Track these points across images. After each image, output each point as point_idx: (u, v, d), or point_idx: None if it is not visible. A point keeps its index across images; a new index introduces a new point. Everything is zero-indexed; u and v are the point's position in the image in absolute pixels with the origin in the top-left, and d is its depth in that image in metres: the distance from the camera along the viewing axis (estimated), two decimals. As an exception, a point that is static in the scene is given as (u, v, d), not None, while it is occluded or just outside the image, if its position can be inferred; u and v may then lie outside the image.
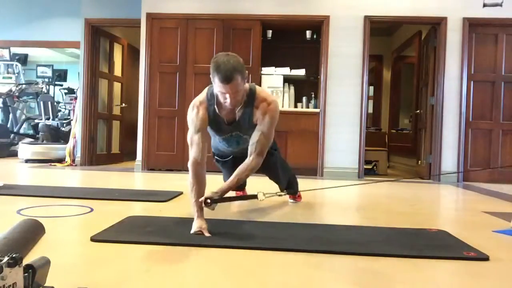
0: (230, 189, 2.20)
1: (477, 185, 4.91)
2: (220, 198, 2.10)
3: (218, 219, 2.35)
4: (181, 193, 3.40)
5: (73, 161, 5.93)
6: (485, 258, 1.74)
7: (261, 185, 3.15)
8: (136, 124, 5.64)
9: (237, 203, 3.04)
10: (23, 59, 8.50)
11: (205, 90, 2.24)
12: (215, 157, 2.81)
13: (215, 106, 2.18)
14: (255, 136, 2.23)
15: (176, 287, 1.41)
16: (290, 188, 3.05)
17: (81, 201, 2.88)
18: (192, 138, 2.16)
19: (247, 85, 2.16)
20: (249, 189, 3.11)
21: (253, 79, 5.42)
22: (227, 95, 2.00)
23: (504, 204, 3.47)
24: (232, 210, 2.87)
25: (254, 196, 2.09)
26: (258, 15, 5.39)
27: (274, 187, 2.90)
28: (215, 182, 2.82)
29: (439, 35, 5.25)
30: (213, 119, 2.22)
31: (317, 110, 5.36)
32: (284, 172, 2.88)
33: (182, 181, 4.42)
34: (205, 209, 2.09)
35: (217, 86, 2.00)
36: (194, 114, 2.17)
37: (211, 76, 2.02)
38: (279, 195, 2.14)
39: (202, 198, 2.03)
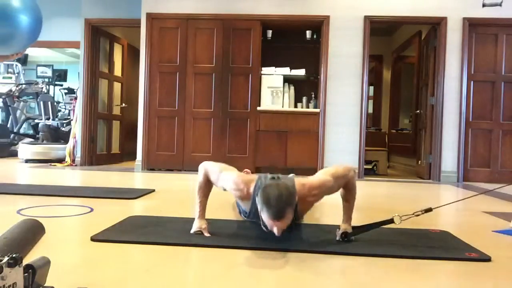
0: (351, 214, 2.06)
1: (477, 185, 4.90)
2: (357, 229, 2.00)
3: (218, 219, 2.35)
4: (152, 190, 3.45)
5: (73, 161, 5.93)
6: (487, 259, 1.74)
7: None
8: (136, 124, 5.64)
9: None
10: (23, 59, 8.49)
11: (253, 185, 1.97)
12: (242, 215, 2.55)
13: (257, 210, 1.91)
14: (337, 191, 2.06)
15: (176, 287, 1.41)
16: None
17: (81, 201, 2.88)
18: (220, 176, 2.01)
19: None
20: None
21: (253, 79, 5.43)
22: (275, 228, 1.78)
23: (504, 204, 3.47)
24: (232, 211, 2.87)
25: (391, 221, 1.97)
26: (258, 15, 5.39)
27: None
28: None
29: (439, 35, 5.25)
30: (253, 212, 2.01)
31: (317, 110, 5.36)
32: None
33: (181, 181, 4.42)
34: (206, 210, 2.09)
35: (266, 218, 1.78)
36: (235, 184, 1.97)
37: (259, 204, 1.80)
38: (417, 215, 1.98)
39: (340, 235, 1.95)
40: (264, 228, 1.88)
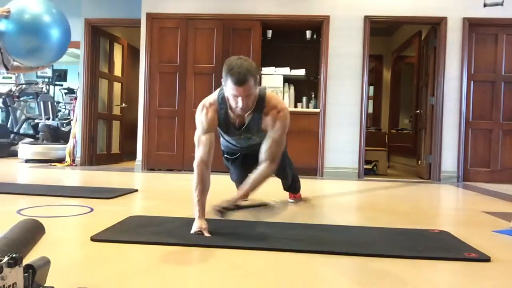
0: (244, 197, 2.15)
1: (477, 185, 4.91)
2: (231, 206, 2.05)
3: (218, 219, 2.35)
4: (135, 190, 3.44)
5: (73, 161, 5.93)
6: (486, 259, 1.74)
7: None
8: (136, 124, 5.64)
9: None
10: (23, 59, 8.48)
11: (216, 92, 2.21)
12: (225, 155, 2.80)
13: (226, 110, 2.16)
14: (266, 143, 2.20)
15: (176, 287, 1.41)
16: (292, 188, 3.07)
17: (81, 201, 2.89)
18: (200, 138, 2.15)
19: (257, 90, 2.12)
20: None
21: (253, 79, 5.42)
22: (239, 99, 1.96)
23: (504, 204, 3.47)
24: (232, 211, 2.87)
25: (265, 204, 2.03)
26: (258, 15, 5.39)
27: (279, 188, 2.90)
28: (219, 182, 2.82)
29: (439, 35, 5.25)
30: (223, 121, 2.22)
31: (317, 110, 5.36)
32: (290, 169, 2.91)
33: (181, 181, 4.42)
34: (206, 210, 2.09)
35: (229, 89, 1.97)
36: (203, 115, 2.16)
37: (223, 79, 1.99)
38: (291, 202, 2.04)
39: (215, 205, 2.01)
40: (233, 126, 2.17)
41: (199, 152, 2.14)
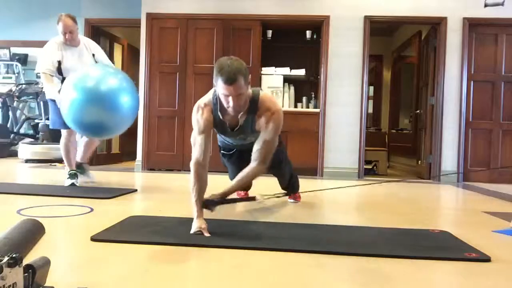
0: (232, 192, 2.21)
1: (477, 185, 4.90)
2: (219, 200, 2.11)
3: (218, 219, 2.35)
4: (135, 190, 3.43)
5: (73, 161, 5.92)
6: (486, 259, 1.74)
7: (263, 185, 3.15)
8: (136, 124, 5.63)
9: (239, 203, 3.04)
10: (23, 59, 8.47)
11: (211, 92, 2.23)
12: (221, 151, 2.81)
13: (219, 112, 2.19)
14: (258, 144, 2.23)
15: (176, 287, 1.41)
16: (291, 187, 3.05)
17: (81, 201, 2.88)
18: (196, 139, 2.19)
19: (250, 91, 2.15)
20: (253, 188, 3.11)
21: (253, 79, 5.40)
22: (230, 98, 1.98)
23: (504, 204, 3.47)
24: (232, 210, 2.87)
25: (253, 198, 2.09)
26: (258, 15, 5.39)
27: (274, 187, 2.90)
28: (217, 182, 2.82)
29: (439, 35, 5.25)
30: (218, 122, 2.24)
31: (317, 110, 5.36)
32: (288, 168, 2.89)
33: (181, 181, 4.41)
34: (205, 210, 2.10)
35: (220, 88, 1.99)
36: (199, 115, 2.19)
37: (214, 79, 2.01)
38: (278, 197, 2.10)
39: (204, 199, 2.04)
40: (227, 127, 2.19)
41: (195, 152, 2.17)
